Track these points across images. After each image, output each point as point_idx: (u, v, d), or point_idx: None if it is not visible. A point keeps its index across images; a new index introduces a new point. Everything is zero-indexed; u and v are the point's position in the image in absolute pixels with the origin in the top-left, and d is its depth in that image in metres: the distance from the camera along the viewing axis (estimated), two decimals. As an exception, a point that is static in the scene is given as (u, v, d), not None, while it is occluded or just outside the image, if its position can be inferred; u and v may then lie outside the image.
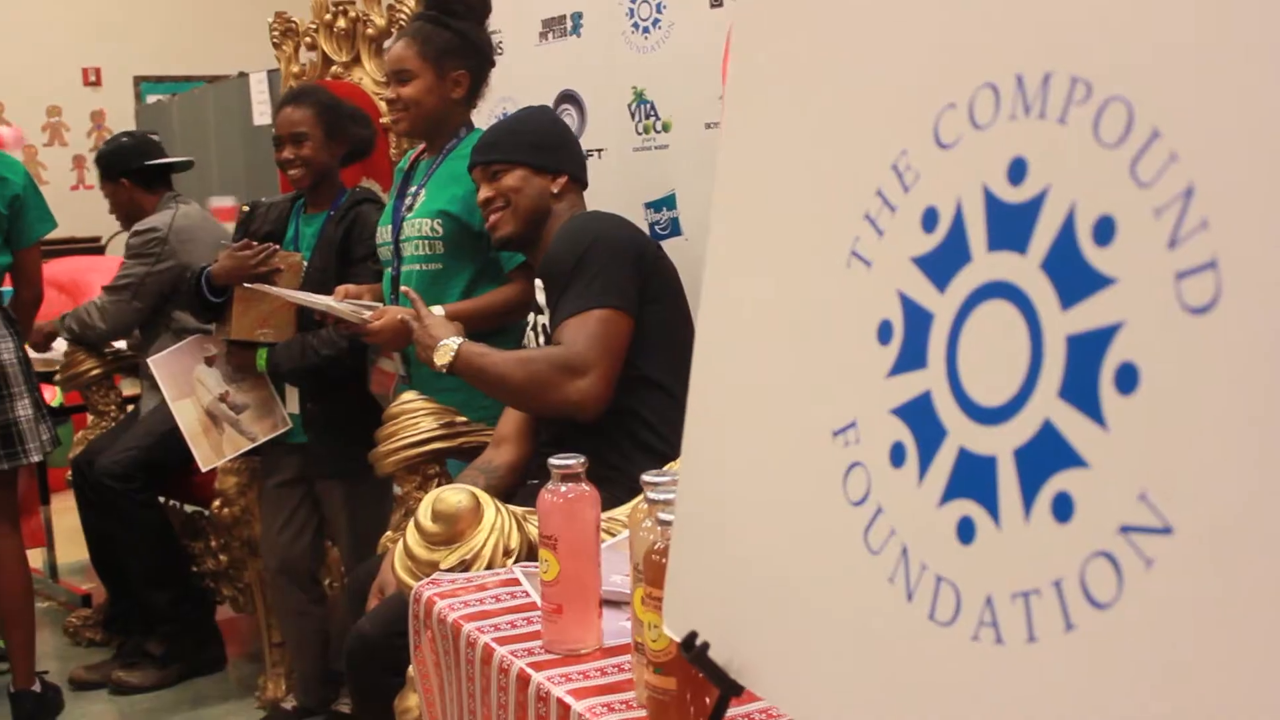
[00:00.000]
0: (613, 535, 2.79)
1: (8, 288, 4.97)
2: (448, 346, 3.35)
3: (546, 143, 3.62)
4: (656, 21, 3.95)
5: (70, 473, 5.71)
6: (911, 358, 1.33)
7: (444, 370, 3.36)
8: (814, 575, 1.44)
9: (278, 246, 4.54)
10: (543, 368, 3.24)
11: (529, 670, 2.20)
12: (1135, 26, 1.11)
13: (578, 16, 4.28)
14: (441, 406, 3.74)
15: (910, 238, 1.34)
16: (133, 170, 5.59)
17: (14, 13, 12.13)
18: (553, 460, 2.27)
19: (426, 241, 3.96)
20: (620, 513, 2.88)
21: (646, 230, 3.97)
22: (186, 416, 4.79)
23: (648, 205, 4.03)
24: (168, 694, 5.38)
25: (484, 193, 3.61)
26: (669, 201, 3.97)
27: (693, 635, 1.60)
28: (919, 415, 1.31)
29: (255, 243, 4.53)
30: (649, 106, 4.02)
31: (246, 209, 4.94)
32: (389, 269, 4.13)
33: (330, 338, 4.32)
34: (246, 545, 5.09)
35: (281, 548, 4.78)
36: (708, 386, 1.70)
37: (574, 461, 2.25)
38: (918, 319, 1.32)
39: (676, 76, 3.90)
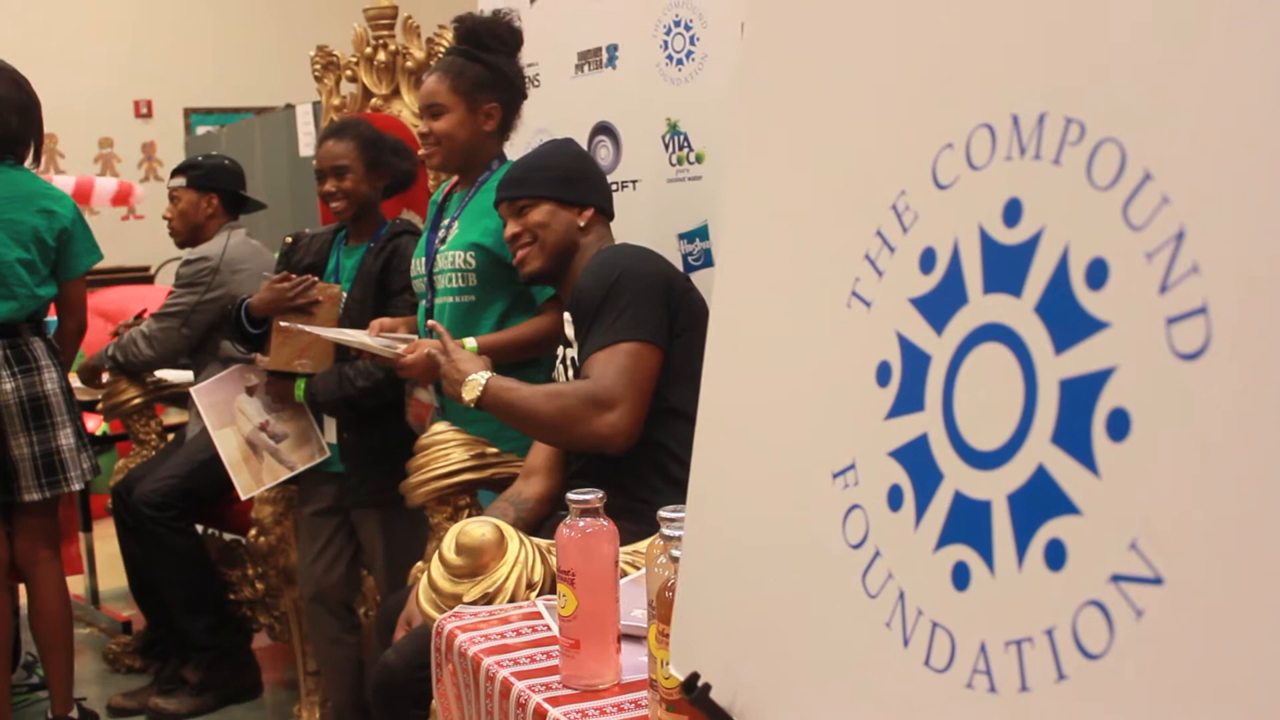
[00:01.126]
0: (637, 569, 2.78)
1: (52, 318, 5.00)
2: (475, 381, 3.34)
3: (572, 176, 3.61)
4: (690, 54, 3.94)
5: (110, 500, 5.72)
6: (909, 400, 1.31)
7: (472, 405, 3.35)
8: (814, 618, 1.43)
9: (316, 279, 4.54)
10: (571, 402, 3.22)
11: (546, 705, 2.18)
12: (1127, 68, 1.10)
13: (613, 49, 4.27)
14: (472, 438, 3.73)
15: (909, 278, 1.33)
16: (225, 191, 5.64)
17: (67, 46, 12.22)
18: (570, 495, 2.25)
19: (459, 274, 3.96)
20: (645, 546, 2.86)
21: (679, 261, 3.95)
22: (227, 445, 4.81)
23: (681, 236, 4.01)
24: None
25: (511, 228, 3.60)
26: (702, 232, 3.95)
27: (694, 676, 1.59)
28: (916, 458, 1.30)
29: (294, 275, 4.54)
30: (682, 138, 4.01)
31: (289, 240, 4.95)
32: (423, 301, 4.13)
33: (367, 369, 4.32)
34: (282, 573, 5.08)
35: (316, 576, 4.78)
36: (713, 425, 1.69)
37: (592, 497, 2.24)
38: (916, 361, 1.31)
39: (710, 108, 3.89)
